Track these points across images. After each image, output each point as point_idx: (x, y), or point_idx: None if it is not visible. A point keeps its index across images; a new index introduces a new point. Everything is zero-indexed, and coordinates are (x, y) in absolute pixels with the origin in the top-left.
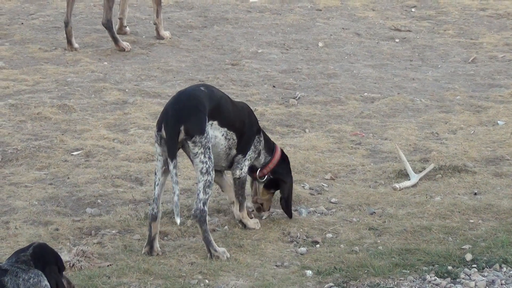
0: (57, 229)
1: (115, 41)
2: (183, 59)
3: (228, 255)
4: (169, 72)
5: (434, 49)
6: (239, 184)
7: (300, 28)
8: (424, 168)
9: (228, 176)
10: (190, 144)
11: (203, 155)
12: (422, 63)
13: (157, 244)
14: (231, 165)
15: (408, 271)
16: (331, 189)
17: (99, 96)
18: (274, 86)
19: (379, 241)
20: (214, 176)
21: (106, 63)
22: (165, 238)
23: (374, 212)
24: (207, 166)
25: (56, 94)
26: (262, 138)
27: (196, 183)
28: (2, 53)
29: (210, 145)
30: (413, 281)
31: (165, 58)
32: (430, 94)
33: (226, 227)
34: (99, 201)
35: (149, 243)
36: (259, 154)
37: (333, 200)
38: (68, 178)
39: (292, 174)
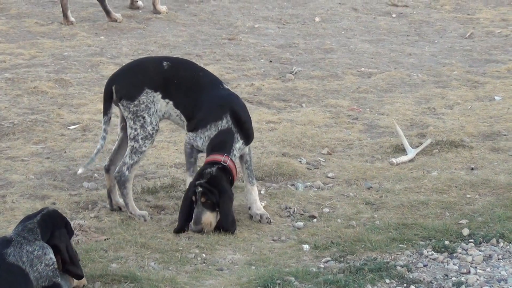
0: (54, 203)
1: (107, 13)
2: (180, 34)
3: (148, 219)
4: (166, 47)
5: (431, 24)
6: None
7: (297, 3)
8: (421, 143)
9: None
10: (120, 106)
11: (132, 121)
12: (419, 38)
13: (116, 198)
14: None
15: (405, 246)
16: (328, 163)
17: (95, 70)
18: (271, 61)
19: (376, 215)
20: (145, 145)
21: (102, 37)
22: (162, 212)
23: (371, 187)
24: (135, 133)
25: (53, 68)
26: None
27: None
28: None
29: (145, 115)
30: (410, 256)
31: (162, 33)
32: (427, 69)
33: None
34: (95, 175)
35: (108, 197)
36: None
37: (330, 174)
38: (65, 152)
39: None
